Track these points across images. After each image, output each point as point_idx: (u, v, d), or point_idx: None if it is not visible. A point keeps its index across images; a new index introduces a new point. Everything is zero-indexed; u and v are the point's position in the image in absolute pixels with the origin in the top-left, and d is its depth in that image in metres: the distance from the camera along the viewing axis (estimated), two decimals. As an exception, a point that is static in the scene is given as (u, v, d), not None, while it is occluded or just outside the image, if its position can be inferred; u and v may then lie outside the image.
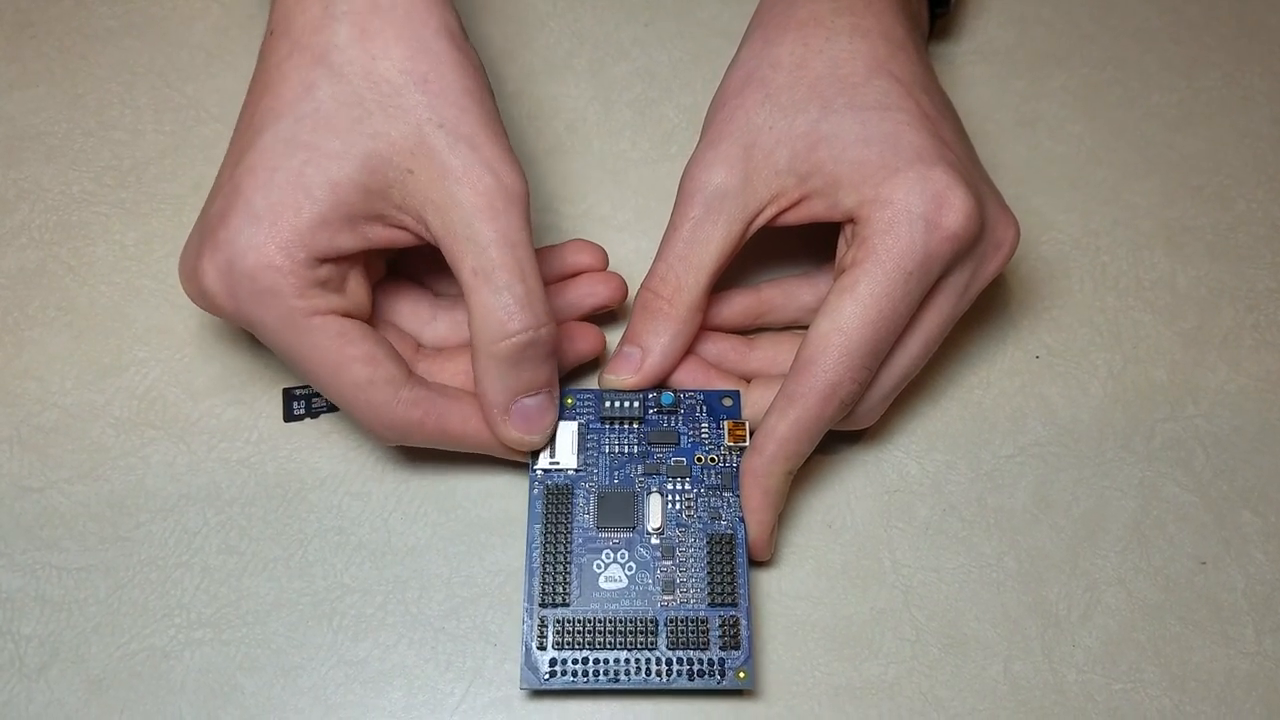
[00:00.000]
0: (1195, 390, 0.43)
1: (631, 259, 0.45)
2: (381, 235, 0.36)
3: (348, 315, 0.36)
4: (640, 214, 0.46)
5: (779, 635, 0.38)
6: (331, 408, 0.41)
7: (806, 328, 0.37)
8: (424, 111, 0.35)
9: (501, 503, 0.40)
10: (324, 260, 0.35)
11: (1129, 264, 0.46)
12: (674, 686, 0.35)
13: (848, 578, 0.39)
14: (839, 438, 0.41)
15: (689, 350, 0.40)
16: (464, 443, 0.38)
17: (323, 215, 0.35)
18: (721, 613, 0.36)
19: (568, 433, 0.39)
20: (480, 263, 0.35)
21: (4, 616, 0.38)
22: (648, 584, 0.36)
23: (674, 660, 0.35)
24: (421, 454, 0.40)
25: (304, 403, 0.41)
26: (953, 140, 0.38)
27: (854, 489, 0.41)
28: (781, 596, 0.39)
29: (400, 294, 0.41)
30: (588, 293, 0.41)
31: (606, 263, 0.42)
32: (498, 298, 0.35)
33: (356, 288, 0.37)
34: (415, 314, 0.41)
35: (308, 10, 0.36)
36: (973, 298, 0.39)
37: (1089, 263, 0.46)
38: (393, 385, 0.36)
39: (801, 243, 0.43)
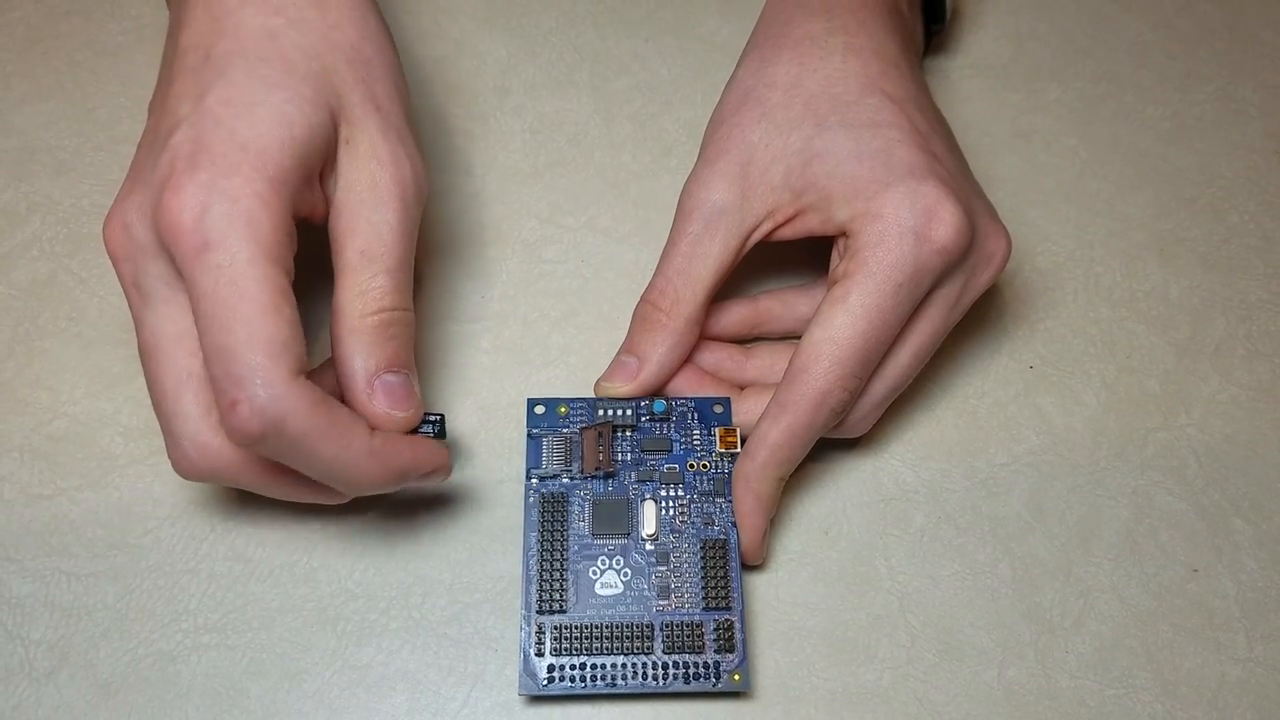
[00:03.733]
0: (1188, 400, 0.43)
1: (632, 270, 0.45)
2: (310, 202, 0.36)
3: (289, 285, 0.34)
4: (640, 226, 0.47)
5: (776, 641, 0.38)
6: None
7: (802, 338, 0.38)
8: (364, 90, 0.36)
9: (503, 510, 0.40)
10: (294, 214, 0.35)
11: (1122, 275, 0.46)
12: (670, 690, 0.36)
13: (844, 584, 0.39)
14: (835, 446, 0.41)
15: (686, 361, 0.41)
16: (338, 447, 0.33)
17: (301, 157, 0.35)
18: (716, 616, 0.37)
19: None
20: (372, 246, 0.36)
21: (14, 621, 0.38)
22: (643, 589, 0.37)
23: (670, 664, 0.36)
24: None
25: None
26: (944, 155, 0.39)
27: (850, 497, 0.41)
28: (778, 602, 0.39)
29: None
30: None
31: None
32: (376, 280, 0.35)
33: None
34: None
35: None
36: (964, 309, 0.39)
37: (1083, 274, 0.46)
38: (300, 362, 0.33)
39: (799, 255, 0.43)
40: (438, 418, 0.38)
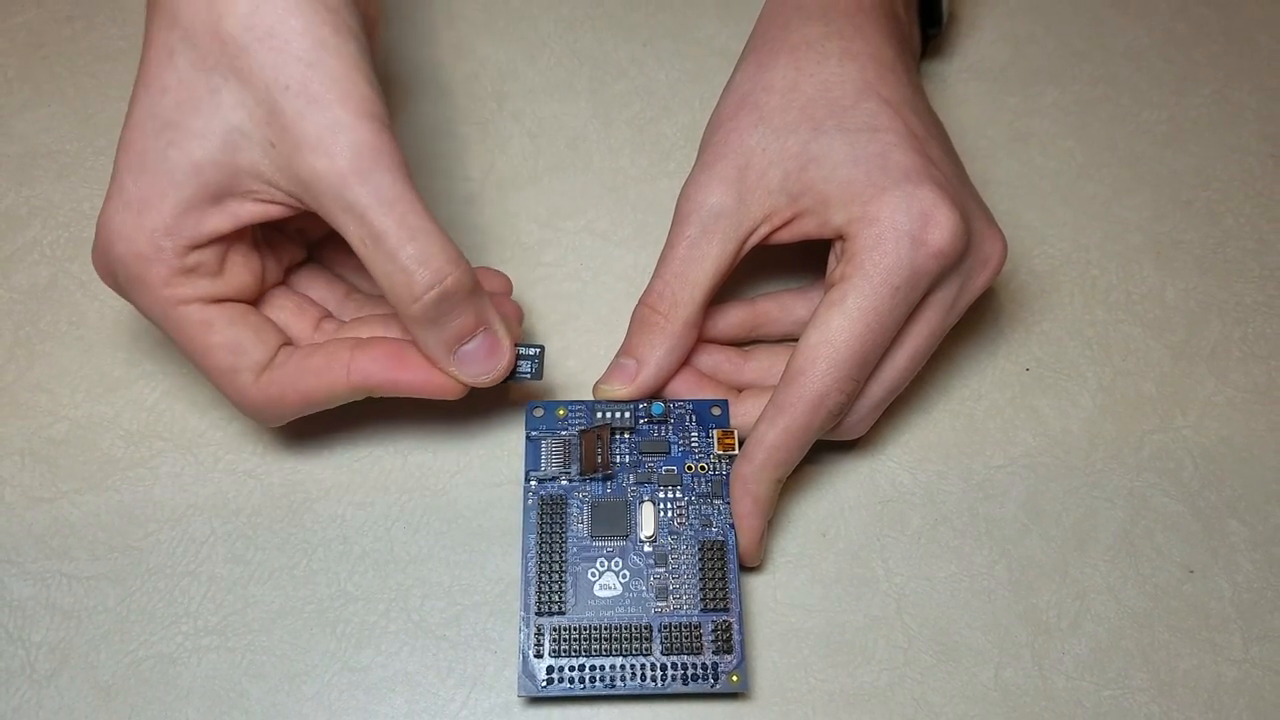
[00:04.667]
0: (1183, 402, 0.43)
1: (630, 273, 0.46)
2: (254, 211, 0.35)
3: (222, 299, 0.36)
4: (639, 229, 0.47)
5: (774, 642, 0.39)
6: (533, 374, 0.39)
7: (800, 340, 0.38)
8: (270, 73, 0.33)
9: (502, 512, 0.41)
10: (194, 247, 0.35)
11: (1119, 278, 0.46)
12: (669, 691, 0.36)
13: (842, 586, 0.40)
14: (833, 448, 0.42)
15: (684, 363, 0.41)
16: (325, 398, 0.37)
17: (187, 201, 0.34)
18: (714, 618, 0.37)
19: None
20: (365, 231, 0.34)
21: (15, 624, 0.38)
22: (641, 591, 0.37)
23: (668, 665, 0.36)
24: (424, 464, 0.41)
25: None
26: (940, 159, 0.39)
27: (848, 499, 0.41)
28: (776, 604, 0.39)
29: (316, 277, 0.41)
30: None
31: (510, 289, 0.42)
32: (394, 263, 0.34)
33: (237, 268, 0.37)
34: (330, 294, 0.41)
35: None
36: (960, 312, 0.39)
37: (1079, 276, 0.46)
38: (253, 371, 0.36)
39: (796, 258, 0.43)
40: (536, 351, 0.39)
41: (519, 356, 0.38)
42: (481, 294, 0.36)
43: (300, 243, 0.41)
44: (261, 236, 0.38)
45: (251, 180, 0.34)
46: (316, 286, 0.41)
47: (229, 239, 0.36)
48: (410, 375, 0.37)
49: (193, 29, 0.33)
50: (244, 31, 0.33)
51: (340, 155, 0.33)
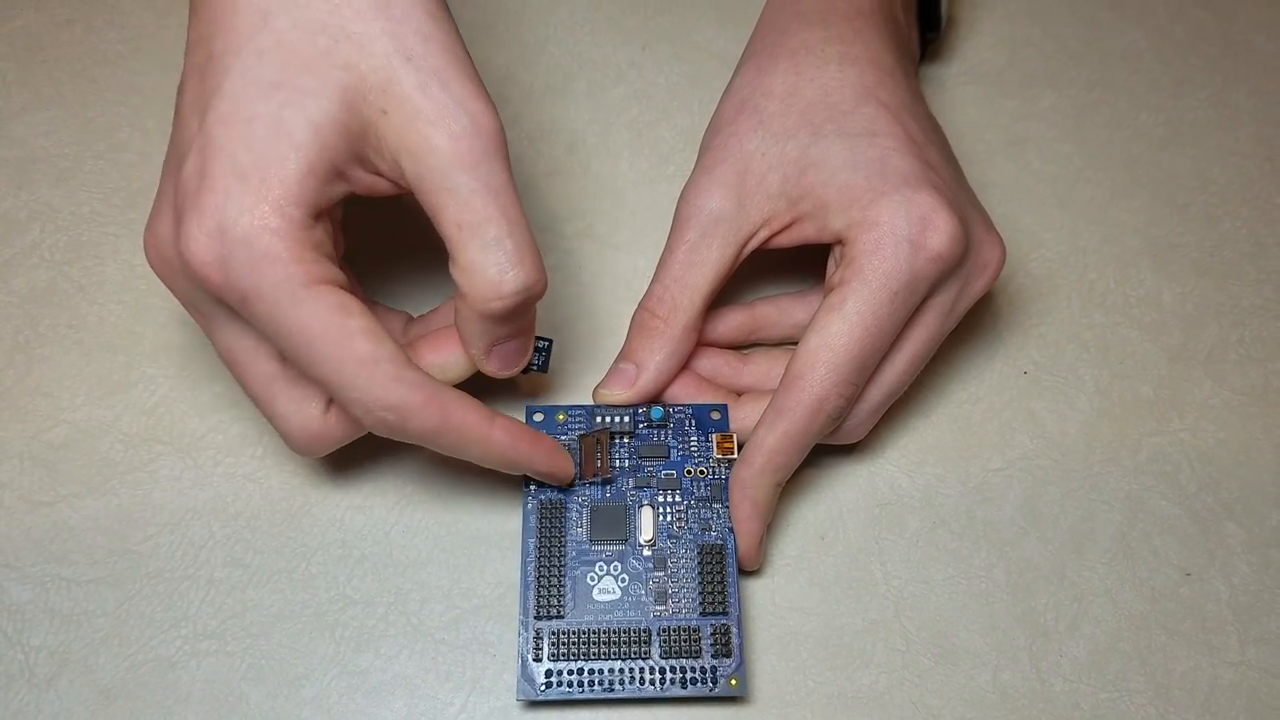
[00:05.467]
0: (1181, 405, 0.44)
1: (629, 277, 0.46)
2: (365, 181, 0.34)
3: (340, 286, 0.33)
4: (638, 233, 0.47)
5: (773, 645, 0.39)
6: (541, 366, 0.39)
7: (800, 344, 0.38)
8: (389, 41, 0.32)
9: (501, 516, 0.41)
10: (319, 216, 0.33)
11: (1116, 281, 0.46)
12: (668, 695, 0.36)
13: (840, 589, 0.40)
14: (831, 452, 0.42)
15: (683, 368, 0.41)
16: (461, 435, 0.35)
17: (311, 163, 0.32)
18: (713, 621, 0.37)
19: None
20: (464, 216, 0.32)
21: (14, 628, 0.38)
22: (640, 595, 0.37)
23: (667, 669, 0.36)
24: (423, 467, 0.41)
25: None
26: (939, 163, 0.39)
27: (846, 502, 0.41)
28: (775, 607, 0.39)
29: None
30: None
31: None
32: (488, 254, 0.33)
33: (338, 255, 0.35)
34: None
35: None
36: (959, 317, 0.39)
37: (1077, 280, 0.46)
38: (396, 363, 0.33)
39: (796, 262, 0.43)
40: (545, 344, 0.39)
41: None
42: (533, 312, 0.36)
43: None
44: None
45: (366, 145, 0.33)
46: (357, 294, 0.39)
47: (335, 217, 0.34)
48: (544, 455, 0.37)
49: None
50: None
51: (458, 134, 0.32)
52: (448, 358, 0.37)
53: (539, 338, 0.39)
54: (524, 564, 0.38)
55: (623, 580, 0.37)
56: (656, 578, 0.37)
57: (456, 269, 0.33)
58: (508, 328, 0.35)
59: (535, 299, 0.34)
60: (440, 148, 0.32)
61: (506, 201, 0.33)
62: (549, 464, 0.37)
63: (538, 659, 0.36)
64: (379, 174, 0.34)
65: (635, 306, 0.41)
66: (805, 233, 0.39)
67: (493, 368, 0.37)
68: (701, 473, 0.39)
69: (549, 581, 0.37)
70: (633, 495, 0.39)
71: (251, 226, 0.31)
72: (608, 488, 0.39)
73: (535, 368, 0.39)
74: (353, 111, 0.32)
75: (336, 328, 0.32)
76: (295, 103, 0.32)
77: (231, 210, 0.31)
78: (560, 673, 0.36)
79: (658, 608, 0.37)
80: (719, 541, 0.38)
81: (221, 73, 0.32)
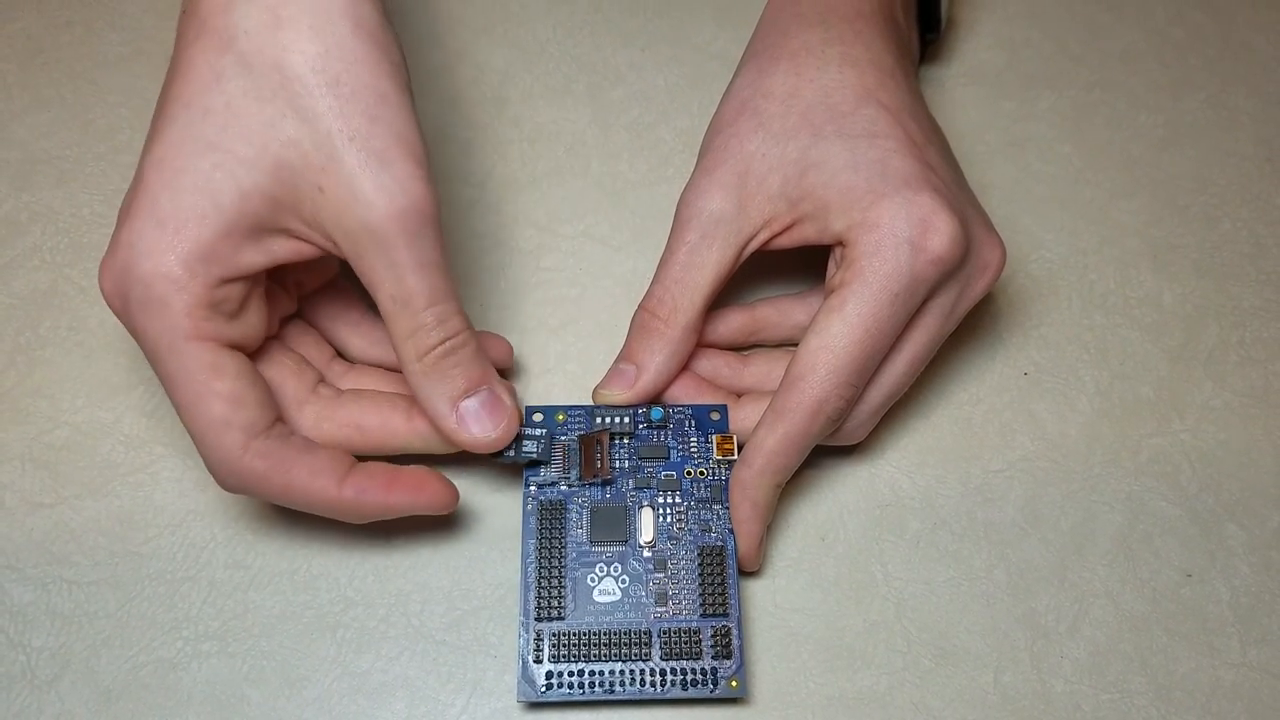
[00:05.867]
0: (1181, 406, 0.44)
1: (629, 278, 0.46)
2: (288, 250, 0.35)
3: (232, 345, 0.35)
4: (638, 234, 0.47)
5: (773, 647, 0.39)
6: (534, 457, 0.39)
7: (800, 345, 0.38)
8: (335, 120, 0.33)
9: (502, 518, 0.41)
10: (226, 279, 0.34)
11: (1116, 282, 0.46)
12: (668, 696, 0.36)
13: (841, 590, 0.40)
14: (832, 453, 0.42)
15: (683, 368, 0.41)
16: (307, 500, 0.36)
17: (228, 227, 0.33)
18: (713, 623, 0.37)
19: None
20: (398, 290, 0.34)
21: (16, 629, 0.38)
22: (641, 596, 0.37)
23: (668, 670, 0.36)
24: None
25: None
26: (939, 165, 0.39)
27: (847, 503, 0.41)
28: (776, 609, 0.39)
29: (306, 335, 0.40)
30: None
31: (510, 356, 0.42)
32: (419, 319, 0.35)
33: (253, 316, 0.36)
34: (320, 354, 0.41)
35: None
36: (959, 318, 0.39)
37: (1077, 281, 0.46)
38: (246, 432, 0.34)
39: (796, 263, 0.43)
40: (541, 434, 0.39)
41: (525, 437, 0.38)
42: (485, 357, 0.37)
43: (294, 295, 0.40)
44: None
45: (293, 218, 0.34)
46: (306, 345, 0.40)
47: (251, 279, 0.35)
48: (402, 495, 0.37)
49: (250, 56, 0.33)
50: (311, 73, 0.32)
51: (395, 215, 0.33)
52: (386, 420, 0.38)
53: (535, 427, 0.39)
54: (524, 565, 0.38)
55: (623, 581, 0.37)
56: (657, 579, 0.38)
57: (393, 338, 0.35)
58: (452, 380, 0.36)
59: (465, 348, 0.36)
60: (377, 227, 0.33)
61: (436, 276, 0.35)
62: (413, 503, 0.37)
63: (538, 660, 0.36)
64: (308, 241, 0.35)
65: (635, 307, 0.41)
66: (805, 234, 0.39)
67: (467, 432, 0.37)
68: (701, 474, 0.39)
69: (549, 583, 0.37)
70: (633, 496, 0.39)
71: (153, 271, 0.33)
72: (608, 489, 0.39)
73: (532, 454, 0.39)
74: (285, 185, 0.33)
75: (200, 385, 0.34)
76: (227, 167, 0.33)
77: (141, 250, 0.33)
78: (561, 674, 0.36)
79: (658, 609, 0.37)
80: (719, 543, 0.38)
81: (168, 120, 0.33)
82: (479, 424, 0.37)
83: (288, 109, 0.33)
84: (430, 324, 0.35)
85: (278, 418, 0.36)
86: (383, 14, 0.35)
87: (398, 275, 0.34)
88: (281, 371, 0.38)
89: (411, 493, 0.37)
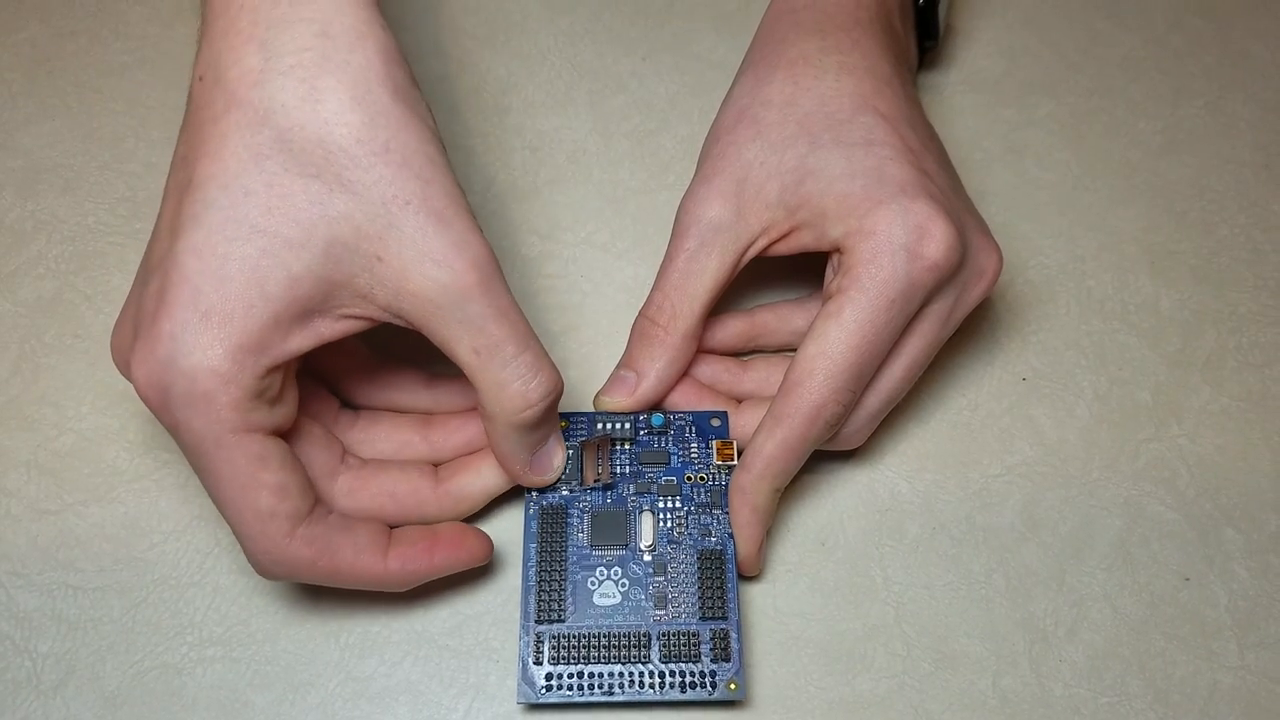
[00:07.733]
0: (1179, 411, 0.44)
1: (630, 285, 0.46)
2: (334, 328, 0.34)
3: (274, 432, 0.34)
4: (638, 241, 0.47)
5: (773, 650, 0.39)
6: None
7: (799, 351, 0.38)
8: (388, 188, 0.32)
9: (505, 523, 0.41)
10: (274, 368, 0.33)
11: (1114, 288, 0.47)
12: (667, 698, 0.36)
13: (840, 594, 0.40)
14: (831, 458, 0.42)
15: (683, 375, 0.41)
16: (354, 579, 0.35)
17: (277, 315, 0.32)
18: (712, 626, 0.37)
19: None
20: (482, 341, 0.34)
21: (22, 635, 0.39)
22: (640, 599, 0.37)
23: (667, 673, 0.36)
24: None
25: None
26: (936, 172, 0.39)
27: (846, 508, 0.42)
28: (775, 613, 0.39)
29: (324, 402, 0.39)
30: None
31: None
32: (509, 370, 0.34)
33: (289, 395, 0.34)
34: (328, 409, 0.39)
35: (243, 59, 0.32)
36: (956, 324, 0.40)
37: (1075, 286, 0.47)
38: (292, 521, 0.34)
39: (794, 270, 0.44)
40: (571, 453, 0.39)
41: None
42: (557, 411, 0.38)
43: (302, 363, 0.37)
44: None
45: (348, 296, 0.33)
46: (314, 402, 0.38)
47: (293, 362, 0.34)
48: (445, 556, 0.37)
49: (289, 133, 0.31)
50: (356, 144, 0.32)
51: (468, 268, 0.33)
52: (481, 478, 0.39)
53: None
54: (525, 569, 0.38)
55: (623, 585, 0.38)
56: (656, 583, 0.38)
57: (481, 392, 0.35)
58: (540, 433, 0.37)
59: (559, 399, 0.36)
60: (449, 284, 0.33)
61: (517, 319, 0.34)
62: (455, 562, 0.37)
63: (538, 662, 0.36)
64: (360, 317, 0.34)
65: (636, 314, 0.41)
66: (803, 241, 0.39)
67: (535, 474, 0.38)
68: (701, 479, 0.39)
69: (550, 586, 0.37)
70: (633, 501, 0.39)
71: (200, 365, 0.31)
72: (608, 494, 0.39)
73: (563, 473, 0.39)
74: (337, 262, 0.32)
75: (246, 478, 0.33)
76: (275, 253, 0.31)
77: (185, 343, 0.31)
78: (560, 676, 0.36)
79: (657, 612, 0.37)
80: (719, 547, 0.38)
81: (202, 204, 0.32)
82: (544, 470, 0.38)
83: (335, 183, 0.32)
84: (528, 374, 0.34)
85: (317, 500, 0.35)
86: (411, 74, 0.34)
87: (479, 327, 0.33)
88: (312, 446, 0.37)
89: (453, 552, 0.37)
